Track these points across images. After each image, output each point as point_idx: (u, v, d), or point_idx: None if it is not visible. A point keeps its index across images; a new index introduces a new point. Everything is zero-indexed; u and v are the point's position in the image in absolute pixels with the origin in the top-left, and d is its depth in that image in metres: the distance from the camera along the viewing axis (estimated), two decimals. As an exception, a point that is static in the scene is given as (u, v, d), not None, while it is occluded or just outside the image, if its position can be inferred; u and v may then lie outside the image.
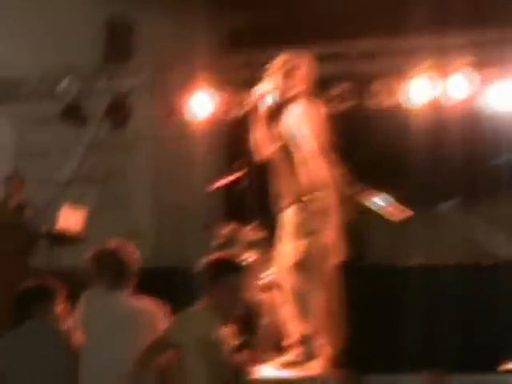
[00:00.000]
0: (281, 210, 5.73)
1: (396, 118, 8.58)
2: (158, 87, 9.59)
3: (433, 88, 8.11)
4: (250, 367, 5.14)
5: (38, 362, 4.64)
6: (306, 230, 5.63)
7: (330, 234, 5.67)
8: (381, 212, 6.62)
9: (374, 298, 6.06)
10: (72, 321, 4.85)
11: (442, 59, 8.12)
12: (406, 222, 6.95)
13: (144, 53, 11.26)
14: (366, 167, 6.39)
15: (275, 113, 5.86)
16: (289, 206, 5.67)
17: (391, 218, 6.74)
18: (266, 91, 5.86)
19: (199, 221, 8.54)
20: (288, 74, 5.87)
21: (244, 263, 4.86)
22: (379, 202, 6.66)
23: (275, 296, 6.64)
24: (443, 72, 8.06)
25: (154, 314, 4.76)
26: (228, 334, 4.53)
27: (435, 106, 8.17)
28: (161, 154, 11.72)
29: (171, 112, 9.28)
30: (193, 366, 4.34)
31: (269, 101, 5.85)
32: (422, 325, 5.19)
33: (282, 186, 5.71)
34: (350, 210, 5.86)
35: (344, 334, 5.29)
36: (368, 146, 9.18)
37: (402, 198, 6.89)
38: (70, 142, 11.03)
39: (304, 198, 5.56)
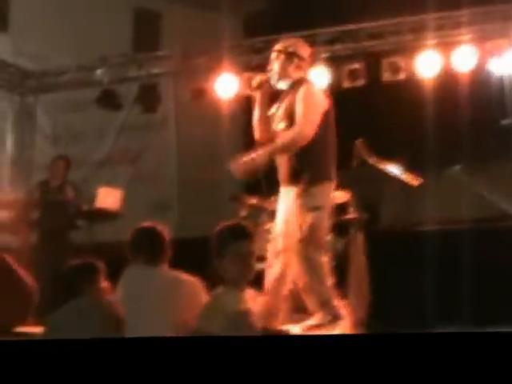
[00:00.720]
0: (283, 186, 5.60)
1: (406, 90, 8.49)
2: (185, 72, 9.55)
3: (440, 61, 8.03)
4: (278, 329, 5.14)
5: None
6: (310, 205, 5.48)
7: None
8: (399, 177, 6.54)
9: (393, 260, 5.99)
10: (115, 296, 4.83)
11: (447, 33, 8.03)
12: (419, 187, 6.87)
13: (171, 40, 11.24)
14: (381, 138, 6.32)
15: (278, 96, 5.72)
16: (291, 183, 5.55)
17: (410, 183, 6.66)
18: (267, 75, 5.72)
19: (226, 194, 8.51)
20: (288, 59, 5.72)
21: (251, 230, 4.62)
22: (394, 170, 6.58)
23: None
24: (450, 45, 7.98)
25: (193, 285, 4.74)
26: (248, 300, 4.45)
27: (443, 78, 8.07)
28: (188, 134, 11.71)
29: (198, 94, 9.28)
30: None
31: (271, 84, 5.72)
32: (439, 283, 5.12)
33: (283, 165, 5.59)
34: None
35: (368, 296, 5.26)
36: (381, 117, 9.11)
37: (415, 165, 6.82)
38: (103, 126, 11.09)
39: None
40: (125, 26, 11.74)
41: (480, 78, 8.21)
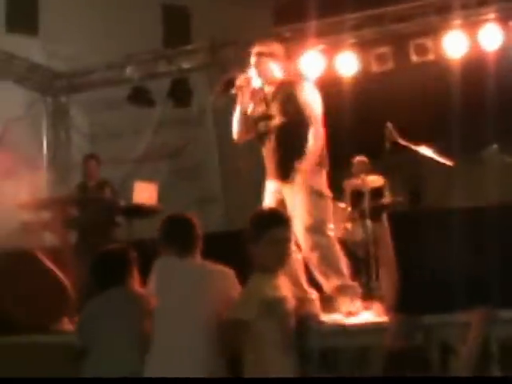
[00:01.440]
0: (284, 179, 5.67)
1: (435, 72, 8.45)
2: (216, 65, 9.60)
3: (466, 40, 7.99)
4: (314, 316, 5.17)
5: (122, 327, 4.72)
6: (317, 191, 5.57)
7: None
8: (435, 159, 6.53)
9: (427, 240, 5.94)
10: (148, 287, 4.90)
11: (472, 12, 7.99)
12: (457, 169, 6.84)
13: (200, 33, 11.28)
14: (410, 120, 6.31)
15: (266, 95, 5.77)
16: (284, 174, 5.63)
17: (446, 164, 6.65)
18: (252, 74, 5.82)
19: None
20: (270, 60, 5.81)
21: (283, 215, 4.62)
22: (427, 152, 6.57)
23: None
24: (475, 24, 7.93)
25: (224, 275, 4.77)
26: (283, 287, 4.47)
27: (470, 58, 8.03)
28: (224, 125, 11.76)
29: (230, 86, 9.30)
30: (264, 330, 4.27)
31: (258, 83, 5.81)
32: (470, 263, 5.09)
33: (275, 158, 5.67)
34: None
35: (398, 279, 5.25)
36: (409, 100, 9.07)
37: (446, 147, 6.79)
38: (139, 123, 11.17)
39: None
40: (154, 23, 11.81)
41: (508, 56, 8.15)
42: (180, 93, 9.80)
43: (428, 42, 8.20)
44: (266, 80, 5.78)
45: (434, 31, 8.22)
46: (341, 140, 6.78)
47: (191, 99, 10.06)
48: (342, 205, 7.99)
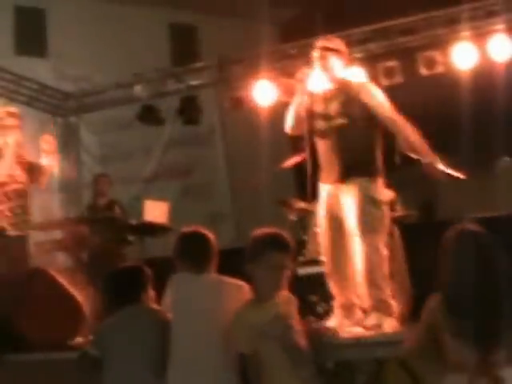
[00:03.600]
0: (342, 180, 5.63)
1: (444, 85, 8.48)
2: (223, 82, 9.64)
3: (475, 52, 8.01)
4: (328, 330, 5.16)
5: (138, 344, 4.74)
6: (374, 199, 5.51)
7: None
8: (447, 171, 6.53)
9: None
10: (163, 304, 4.91)
11: (480, 23, 8.01)
12: (463, 183, 6.85)
13: (208, 51, 11.35)
14: (423, 134, 6.30)
15: (326, 92, 5.72)
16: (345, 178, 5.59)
17: (458, 176, 6.66)
18: (314, 73, 5.75)
19: (273, 199, 8.54)
20: (334, 56, 5.76)
21: (290, 242, 4.45)
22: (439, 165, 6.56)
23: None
24: (484, 35, 7.96)
25: (239, 289, 4.77)
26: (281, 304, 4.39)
27: (480, 70, 8.06)
28: (232, 142, 11.82)
29: (237, 103, 9.36)
30: (267, 354, 4.23)
31: (320, 82, 5.73)
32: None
33: (337, 161, 5.62)
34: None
35: (410, 292, 5.28)
36: (421, 114, 9.09)
37: (457, 160, 6.80)
38: (149, 142, 11.24)
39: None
40: (161, 42, 11.90)
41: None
42: (189, 110, 9.82)
43: (437, 55, 8.22)
44: (329, 76, 5.68)
45: (443, 43, 8.24)
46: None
47: (200, 117, 10.09)
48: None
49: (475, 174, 7.61)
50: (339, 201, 5.59)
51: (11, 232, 7.06)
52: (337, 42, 5.84)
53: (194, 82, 9.81)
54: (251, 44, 9.89)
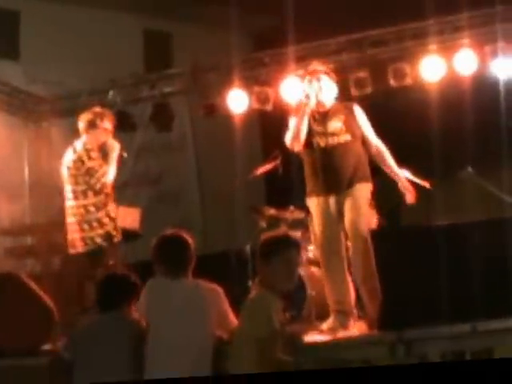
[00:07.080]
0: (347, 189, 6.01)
1: (412, 97, 8.70)
2: (197, 89, 9.74)
3: (443, 65, 8.24)
4: (302, 335, 5.33)
5: (109, 350, 4.84)
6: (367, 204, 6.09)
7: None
8: (412, 180, 6.75)
9: (408, 258, 6.13)
10: (137, 309, 5.01)
11: (447, 37, 8.25)
12: (433, 190, 7.06)
13: (182, 58, 11.43)
14: (391, 144, 6.50)
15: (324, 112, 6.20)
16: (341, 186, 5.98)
17: (423, 185, 6.89)
18: (313, 91, 6.12)
19: (244, 206, 8.67)
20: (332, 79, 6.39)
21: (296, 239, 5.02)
22: (405, 173, 6.78)
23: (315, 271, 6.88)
24: (451, 50, 8.19)
25: (214, 292, 4.89)
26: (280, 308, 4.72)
27: (447, 82, 8.29)
28: (204, 150, 11.92)
29: (210, 110, 9.46)
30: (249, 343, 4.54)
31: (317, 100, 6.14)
32: (454, 279, 5.27)
33: (345, 171, 6.05)
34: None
35: (381, 296, 5.44)
36: (389, 124, 9.30)
37: (424, 169, 7.02)
38: (124, 148, 11.29)
39: None
40: (136, 48, 11.96)
41: (483, 81, 8.40)
42: (162, 117, 9.87)
43: (406, 67, 8.42)
44: (326, 97, 6.22)
45: (412, 56, 8.46)
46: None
47: (172, 124, 10.17)
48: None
49: (440, 183, 7.84)
50: (335, 211, 6.03)
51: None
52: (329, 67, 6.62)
53: (167, 89, 9.87)
54: (225, 52, 10.02)
